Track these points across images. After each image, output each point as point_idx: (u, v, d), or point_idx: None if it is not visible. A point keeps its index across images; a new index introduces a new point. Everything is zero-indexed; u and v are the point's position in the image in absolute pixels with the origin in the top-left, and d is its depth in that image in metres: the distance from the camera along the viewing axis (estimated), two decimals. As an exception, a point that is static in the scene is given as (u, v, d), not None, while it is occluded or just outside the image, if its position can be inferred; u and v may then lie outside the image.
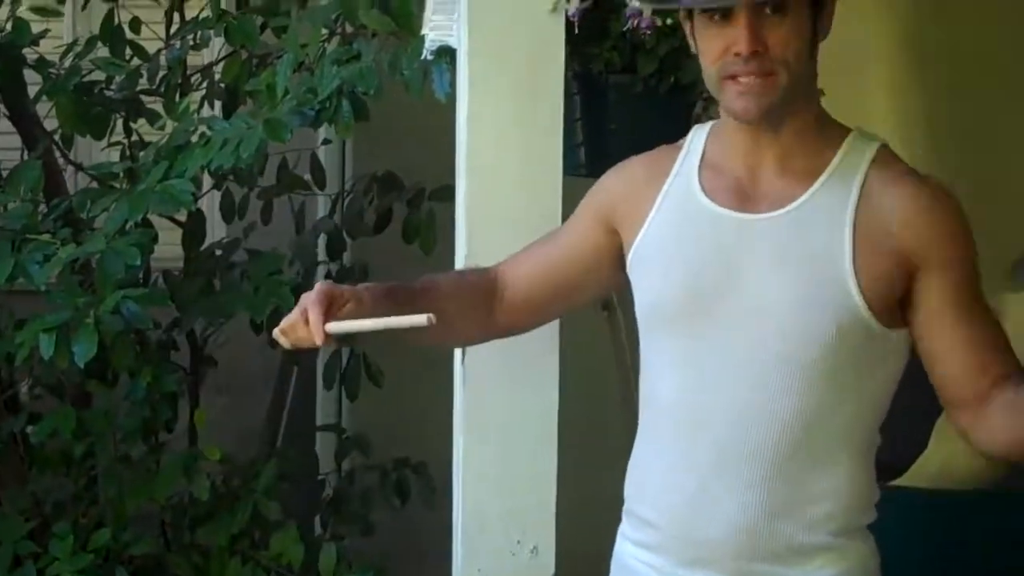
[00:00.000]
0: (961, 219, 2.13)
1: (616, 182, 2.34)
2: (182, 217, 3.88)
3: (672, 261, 2.19)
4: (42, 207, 3.77)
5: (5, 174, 3.87)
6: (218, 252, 3.94)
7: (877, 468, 2.23)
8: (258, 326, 3.70)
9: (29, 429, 3.85)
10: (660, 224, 2.23)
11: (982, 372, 2.11)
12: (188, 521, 3.76)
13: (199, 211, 3.86)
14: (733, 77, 2.08)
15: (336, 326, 2.08)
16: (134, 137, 4.08)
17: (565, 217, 2.58)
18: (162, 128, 3.87)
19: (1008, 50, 3.50)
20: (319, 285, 2.14)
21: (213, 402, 4.36)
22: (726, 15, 2.06)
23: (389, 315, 2.11)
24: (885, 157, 2.16)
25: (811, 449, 2.13)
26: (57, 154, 4.14)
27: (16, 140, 4.17)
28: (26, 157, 4.03)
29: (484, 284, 2.39)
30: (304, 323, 2.09)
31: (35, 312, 3.53)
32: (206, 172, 3.49)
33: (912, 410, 2.35)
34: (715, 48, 2.08)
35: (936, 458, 3.33)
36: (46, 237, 3.52)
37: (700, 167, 2.23)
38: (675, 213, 2.22)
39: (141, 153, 3.94)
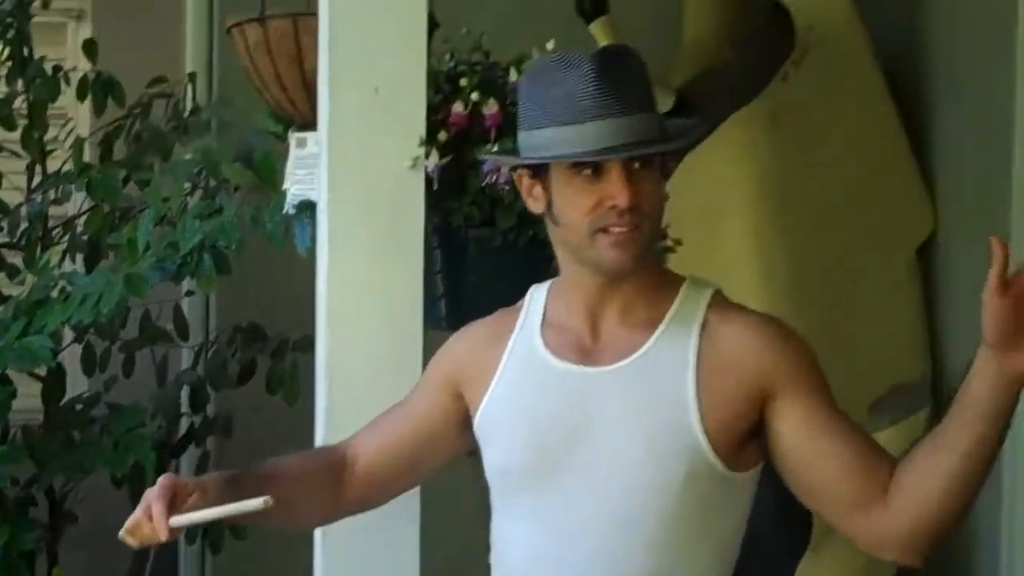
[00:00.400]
0: (803, 344, 2.16)
1: (459, 347, 2.34)
2: (42, 371, 3.82)
3: (518, 421, 2.19)
4: None
5: None
6: (78, 406, 3.88)
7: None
8: (118, 481, 3.64)
9: None
10: (505, 385, 2.23)
11: (874, 470, 2.08)
12: None
13: (59, 365, 3.80)
14: (605, 229, 2.10)
15: (179, 519, 2.06)
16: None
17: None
18: (22, 283, 3.82)
19: (868, 202, 3.59)
20: (161, 479, 2.10)
21: (74, 557, 4.27)
22: (597, 170, 2.08)
23: (232, 502, 2.10)
24: (721, 301, 2.19)
25: None
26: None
27: None
28: None
29: (332, 462, 2.34)
30: (148, 520, 2.07)
31: None
32: (67, 326, 3.45)
33: (772, 552, 2.37)
34: (587, 202, 2.09)
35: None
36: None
37: (542, 325, 2.24)
38: (519, 372, 2.22)
39: (1, 307, 3.90)
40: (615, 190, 2.06)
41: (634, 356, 2.14)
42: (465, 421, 2.29)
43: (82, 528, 4.13)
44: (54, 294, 3.44)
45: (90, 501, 4.08)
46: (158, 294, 3.47)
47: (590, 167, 2.08)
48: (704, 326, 2.14)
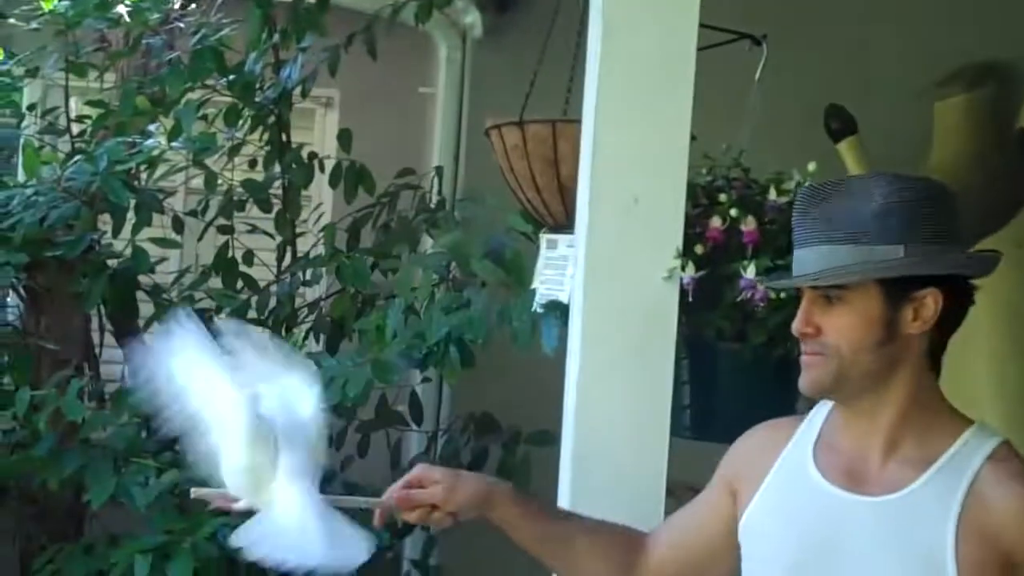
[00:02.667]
0: None
1: (740, 448, 2.36)
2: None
3: (777, 535, 2.19)
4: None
5: (109, 393, 3.96)
6: (313, 483, 3.98)
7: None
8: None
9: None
10: (771, 493, 2.24)
11: None
12: None
13: (299, 442, 3.91)
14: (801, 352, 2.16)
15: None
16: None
17: (669, 477, 2.63)
18: (269, 360, 3.96)
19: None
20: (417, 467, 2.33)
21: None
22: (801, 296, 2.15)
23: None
24: (1003, 453, 2.12)
25: None
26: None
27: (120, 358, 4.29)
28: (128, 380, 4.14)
29: (631, 542, 2.39)
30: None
31: (127, 529, 3.60)
32: (310, 406, 3.55)
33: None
34: (793, 328, 2.16)
35: None
36: (147, 460, 3.60)
37: (816, 442, 2.24)
38: (786, 484, 2.23)
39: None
40: (796, 317, 2.13)
41: (900, 493, 2.11)
42: None
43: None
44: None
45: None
46: (394, 378, 3.56)
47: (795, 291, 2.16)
48: (976, 478, 2.08)
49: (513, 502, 2.33)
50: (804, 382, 2.14)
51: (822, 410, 2.27)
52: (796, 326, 2.12)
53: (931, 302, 2.10)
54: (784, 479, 2.23)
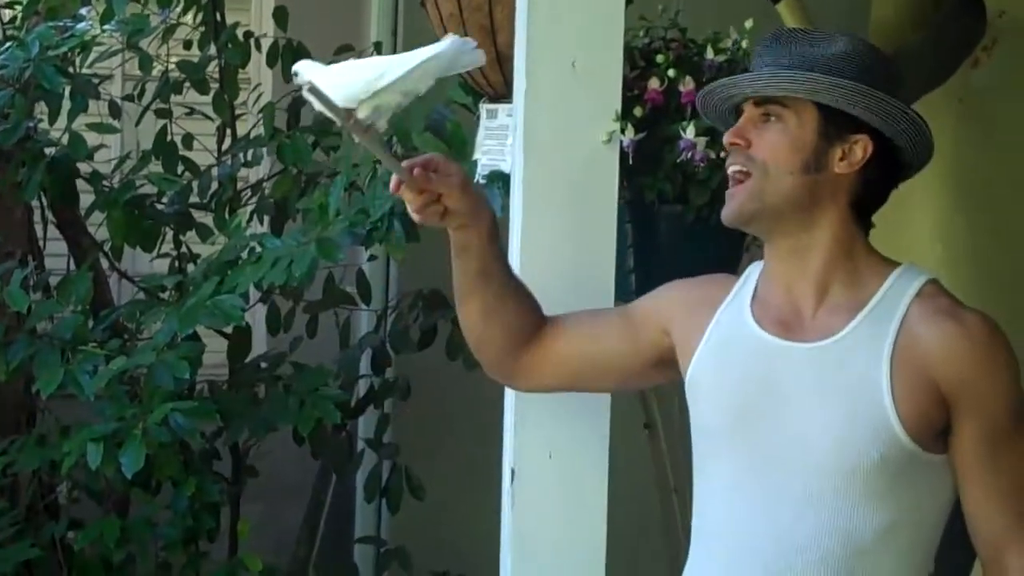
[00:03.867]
0: (1000, 357, 2.14)
1: (679, 295, 2.40)
2: (228, 328, 3.93)
3: (721, 385, 2.25)
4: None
5: (54, 284, 3.93)
6: (263, 365, 3.98)
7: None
8: (301, 438, 3.75)
9: (70, 535, 3.88)
10: (711, 348, 2.28)
11: (993, 520, 2.14)
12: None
13: (246, 324, 3.91)
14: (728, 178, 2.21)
15: None
16: (183, 250, 4.15)
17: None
18: (212, 243, 3.93)
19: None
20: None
21: (252, 510, 4.39)
22: (740, 114, 2.21)
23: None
24: (930, 291, 2.18)
25: None
26: (105, 264, 4.21)
27: (64, 249, 4.25)
28: (74, 267, 4.11)
29: (537, 312, 2.45)
30: None
31: (79, 419, 3.60)
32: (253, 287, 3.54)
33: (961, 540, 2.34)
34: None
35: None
36: (95, 348, 3.58)
37: (753, 298, 2.29)
38: (726, 337, 2.27)
39: (190, 266, 4.03)
40: (733, 128, 2.19)
41: (833, 338, 2.16)
42: (658, 359, 2.38)
43: (260, 482, 4.25)
44: (244, 255, 3.54)
45: (268, 455, 4.19)
46: (340, 257, 3.54)
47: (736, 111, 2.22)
48: (905, 317, 2.15)
49: (491, 234, 2.36)
50: (727, 210, 2.20)
51: (755, 271, 2.31)
52: (728, 137, 2.18)
53: (860, 149, 2.16)
54: (724, 333, 2.28)
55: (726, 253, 2.38)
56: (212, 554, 3.93)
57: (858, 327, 2.16)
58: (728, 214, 2.20)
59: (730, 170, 2.19)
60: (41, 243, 4.24)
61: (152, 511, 3.79)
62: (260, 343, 4.54)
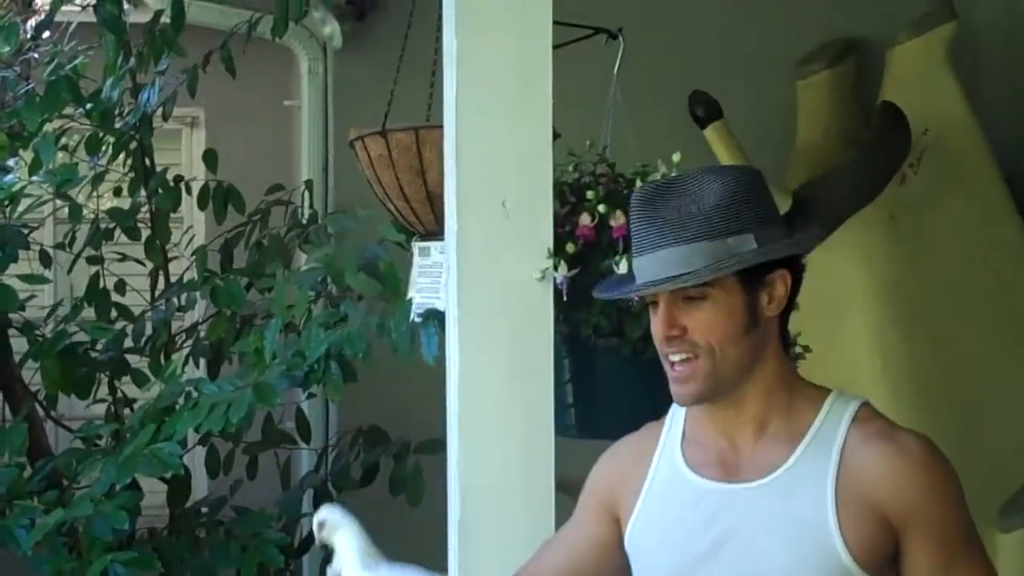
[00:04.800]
0: (940, 473, 2.11)
1: (607, 468, 2.34)
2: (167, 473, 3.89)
3: (662, 542, 2.19)
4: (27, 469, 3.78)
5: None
6: (203, 509, 3.94)
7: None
8: (245, 584, 3.70)
9: None
10: (650, 505, 2.23)
11: None
12: None
13: (185, 470, 3.87)
14: (669, 362, 2.14)
15: None
16: (119, 395, 4.12)
17: (557, 475, 2.63)
18: (147, 389, 3.91)
19: (992, 300, 3.60)
20: None
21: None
22: (656, 302, 2.13)
23: None
24: (865, 415, 2.16)
25: None
26: (40, 412, 4.17)
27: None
28: (8, 418, 4.06)
29: None
30: None
31: (16, 575, 3.54)
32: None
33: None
34: (655, 333, 2.14)
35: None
36: (32, 502, 3.54)
37: (683, 443, 2.24)
38: (663, 491, 2.23)
39: (127, 411, 4.00)
40: (657, 322, 2.12)
41: (776, 473, 2.13)
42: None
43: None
44: (181, 401, 3.52)
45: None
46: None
47: (650, 300, 2.14)
48: (845, 444, 2.12)
49: None
50: (684, 394, 2.14)
51: (680, 411, 2.27)
52: (661, 331, 2.11)
53: (781, 283, 2.13)
54: (660, 486, 2.23)
55: (664, 386, 2.37)
56: None
57: (800, 459, 2.13)
58: (686, 398, 2.14)
59: (675, 359, 2.12)
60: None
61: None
62: (200, 485, 4.50)
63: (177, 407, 3.50)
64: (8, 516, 3.48)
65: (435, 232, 3.07)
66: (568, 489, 2.60)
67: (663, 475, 2.23)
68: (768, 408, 2.16)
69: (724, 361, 2.11)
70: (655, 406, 2.35)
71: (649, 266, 2.11)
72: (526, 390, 2.68)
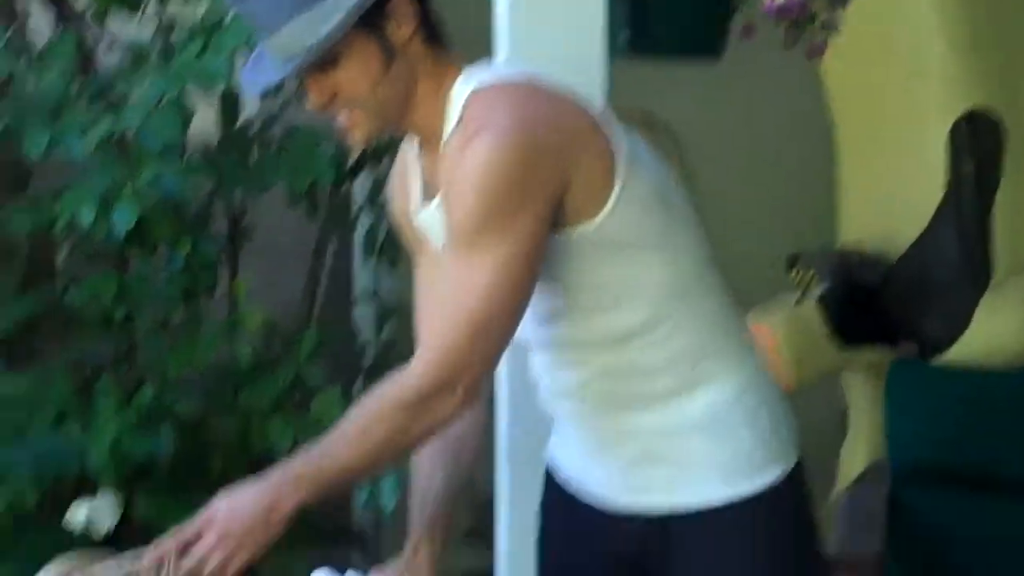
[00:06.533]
0: (484, 163, 2.09)
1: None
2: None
3: None
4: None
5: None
6: (254, 128, 3.94)
7: (920, 345, 2.25)
8: (296, 199, 3.72)
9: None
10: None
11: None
12: (230, 385, 3.77)
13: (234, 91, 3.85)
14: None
15: None
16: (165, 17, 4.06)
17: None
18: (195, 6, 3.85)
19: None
20: None
21: (249, 272, 4.39)
22: None
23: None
24: (472, 102, 2.17)
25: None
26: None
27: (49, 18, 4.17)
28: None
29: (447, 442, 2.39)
30: None
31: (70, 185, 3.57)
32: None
33: (956, 287, 2.34)
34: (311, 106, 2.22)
35: (981, 335, 3.33)
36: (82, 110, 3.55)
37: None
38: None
39: (174, 31, 3.96)
40: (309, 97, 2.18)
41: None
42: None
43: (257, 247, 4.24)
44: (228, 18, 3.48)
45: (264, 218, 4.17)
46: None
47: None
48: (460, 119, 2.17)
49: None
50: (356, 140, 2.20)
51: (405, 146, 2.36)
52: (315, 105, 2.16)
53: (404, 4, 2.13)
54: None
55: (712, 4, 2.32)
56: (212, 315, 3.93)
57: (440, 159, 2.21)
58: (360, 142, 2.21)
59: (340, 119, 2.18)
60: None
61: (148, 270, 3.78)
62: (250, 108, 4.48)
63: (224, 23, 3.46)
64: (59, 125, 3.48)
65: None
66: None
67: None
68: (422, 123, 2.22)
69: (381, 102, 2.15)
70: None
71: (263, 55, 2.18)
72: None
